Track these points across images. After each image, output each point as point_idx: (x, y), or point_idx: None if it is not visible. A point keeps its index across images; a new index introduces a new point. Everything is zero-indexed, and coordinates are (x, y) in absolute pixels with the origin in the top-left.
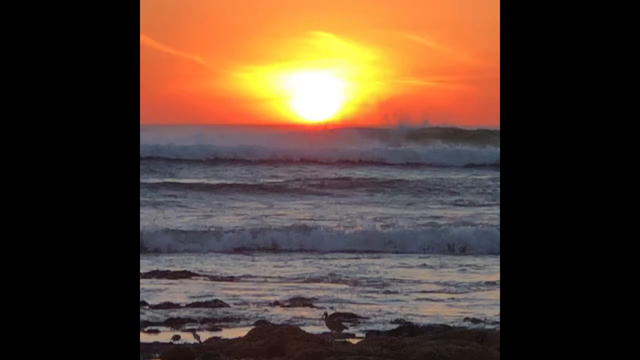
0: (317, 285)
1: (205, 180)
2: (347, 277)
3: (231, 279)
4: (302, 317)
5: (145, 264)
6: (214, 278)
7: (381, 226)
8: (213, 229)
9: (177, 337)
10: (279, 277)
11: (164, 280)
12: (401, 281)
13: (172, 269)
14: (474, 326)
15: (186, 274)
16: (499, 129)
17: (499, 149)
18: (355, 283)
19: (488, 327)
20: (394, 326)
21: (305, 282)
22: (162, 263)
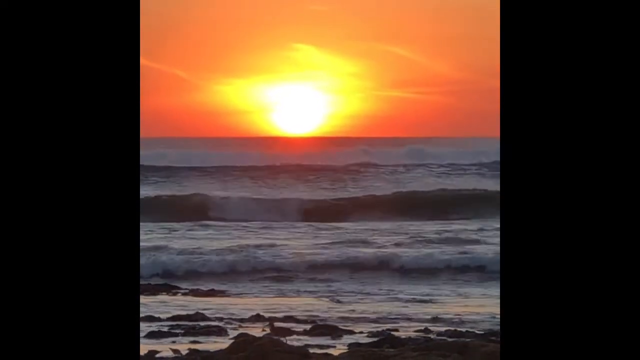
0: (299, 299)
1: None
2: (329, 291)
3: (212, 292)
4: (283, 330)
5: None
6: (194, 292)
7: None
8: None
9: (156, 352)
10: (261, 291)
11: (145, 294)
12: (382, 293)
13: (152, 282)
14: (456, 338)
15: (167, 288)
16: (481, 138)
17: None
18: (338, 296)
19: (469, 339)
20: (376, 338)
21: (288, 296)
22: (142, 278)
